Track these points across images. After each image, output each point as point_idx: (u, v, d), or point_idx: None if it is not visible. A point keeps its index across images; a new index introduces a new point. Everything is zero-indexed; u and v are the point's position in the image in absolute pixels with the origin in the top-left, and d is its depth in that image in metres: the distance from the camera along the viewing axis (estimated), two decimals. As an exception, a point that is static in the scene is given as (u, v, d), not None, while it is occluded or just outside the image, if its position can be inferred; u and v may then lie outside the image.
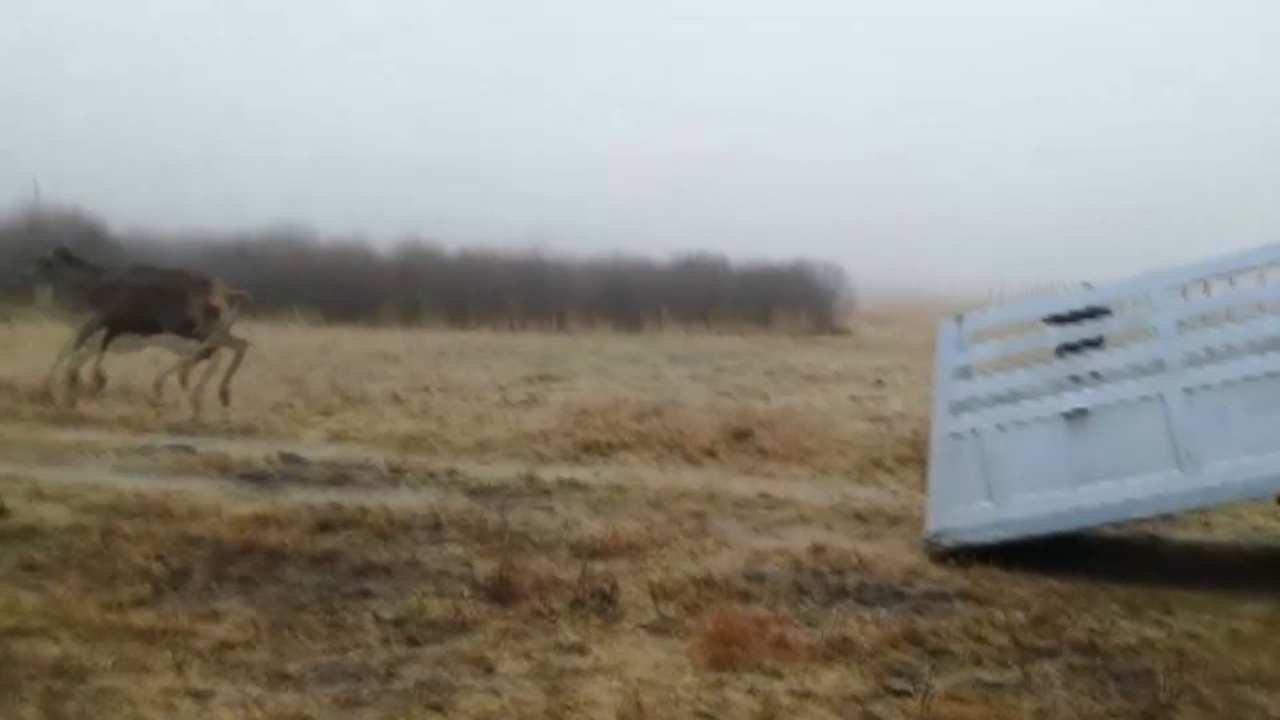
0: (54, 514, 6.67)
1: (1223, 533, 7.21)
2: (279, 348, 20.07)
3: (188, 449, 9.12)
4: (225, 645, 4.44)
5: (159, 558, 5.63)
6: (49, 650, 4.33)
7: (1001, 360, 6.69)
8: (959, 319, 6.38)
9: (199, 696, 3.92)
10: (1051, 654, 4.58)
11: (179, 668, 4.18)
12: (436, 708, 3.87)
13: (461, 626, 4.77)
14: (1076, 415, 5.99)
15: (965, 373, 6.37)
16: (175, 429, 10.23)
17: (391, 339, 24.29)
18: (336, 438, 10.19)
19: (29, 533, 6.19)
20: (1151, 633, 4.91)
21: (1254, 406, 5.66)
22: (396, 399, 12.82)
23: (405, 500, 7.44)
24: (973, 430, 6.18)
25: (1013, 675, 4.32)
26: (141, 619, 4.70)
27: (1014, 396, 6.29)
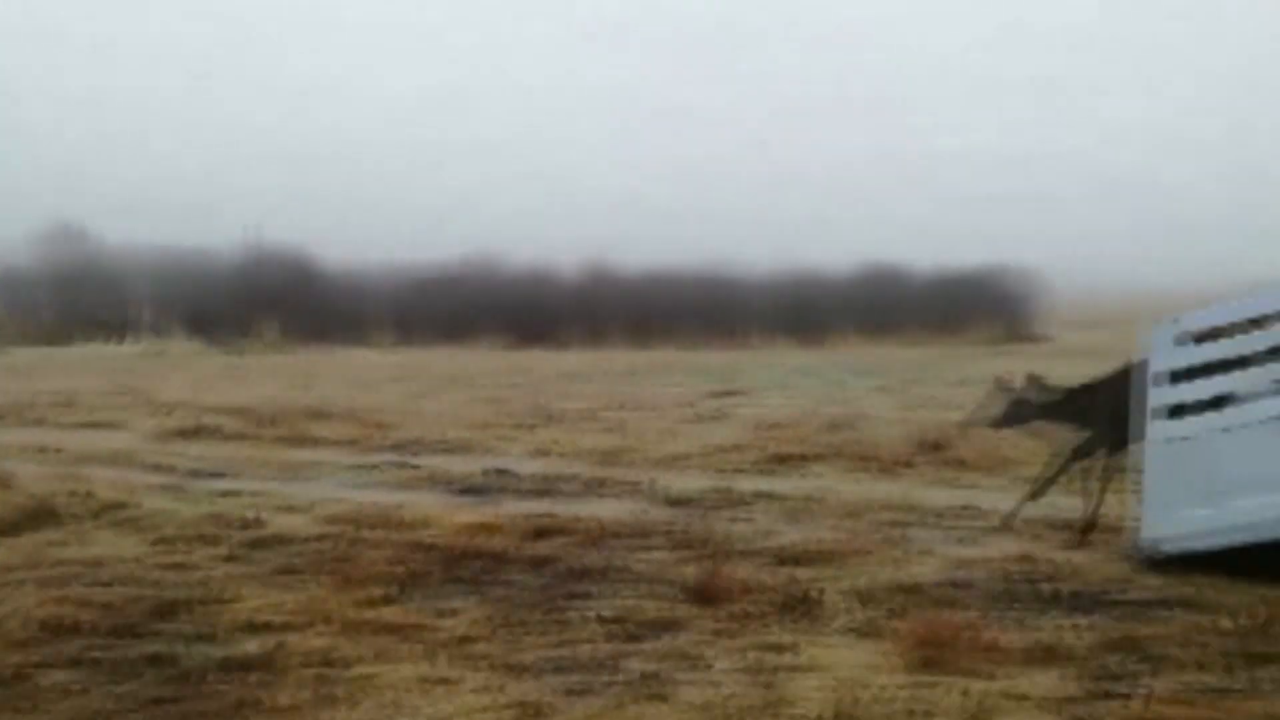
0: (301, 524, 7.42)
1: None
2: (478, 371, 21.24)
3: (411, 465, 9.88)
4: (465, 639, 4.88)
5: (399, 561, 6.21)
6: (315, 642, 4.87)
7: (1220, 362, 6.43)
8: (1174, 319, 6.20)
9: (449, 684, 4.34)
10: (1277, 660, 4.42)
11: (428, 658, 4.64)
12: (660, 697, 4.14)
13: (675, 625, 5.04)
14: (1299, 417, 5.71)
15: (1180, 375, 6.18)
16: (397, 447, 11.08)
17: (579, 360, 25.16)
18: (539, 452, 10.77)
19: (282, 541, 6.93)
20: (1386, 640, 4.64)
21: None
22: (591, 416, 13.38)
23: (610, 509, 7.83)
24: (1188, 435, 5.99)
25: (1237, 680, 4.21)
26: (390, 615, 5.22)
27: (1232, 399, 6.05)
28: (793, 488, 8.63)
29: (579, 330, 34.67)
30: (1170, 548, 5.91)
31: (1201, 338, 6.18)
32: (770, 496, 8.27)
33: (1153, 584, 5.60)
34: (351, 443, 11.39)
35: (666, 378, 19.49)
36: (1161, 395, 6.05)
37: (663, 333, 33.52)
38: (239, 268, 36.91)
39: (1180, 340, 6.07)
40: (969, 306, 32.71)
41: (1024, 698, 4.09)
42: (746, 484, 8.75)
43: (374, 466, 9.92)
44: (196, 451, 11.36)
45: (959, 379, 17.75)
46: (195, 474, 9.80)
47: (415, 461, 10.07)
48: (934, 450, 9.93)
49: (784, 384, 17.92)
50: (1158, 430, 6.03)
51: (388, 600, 5.47)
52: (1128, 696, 4.04)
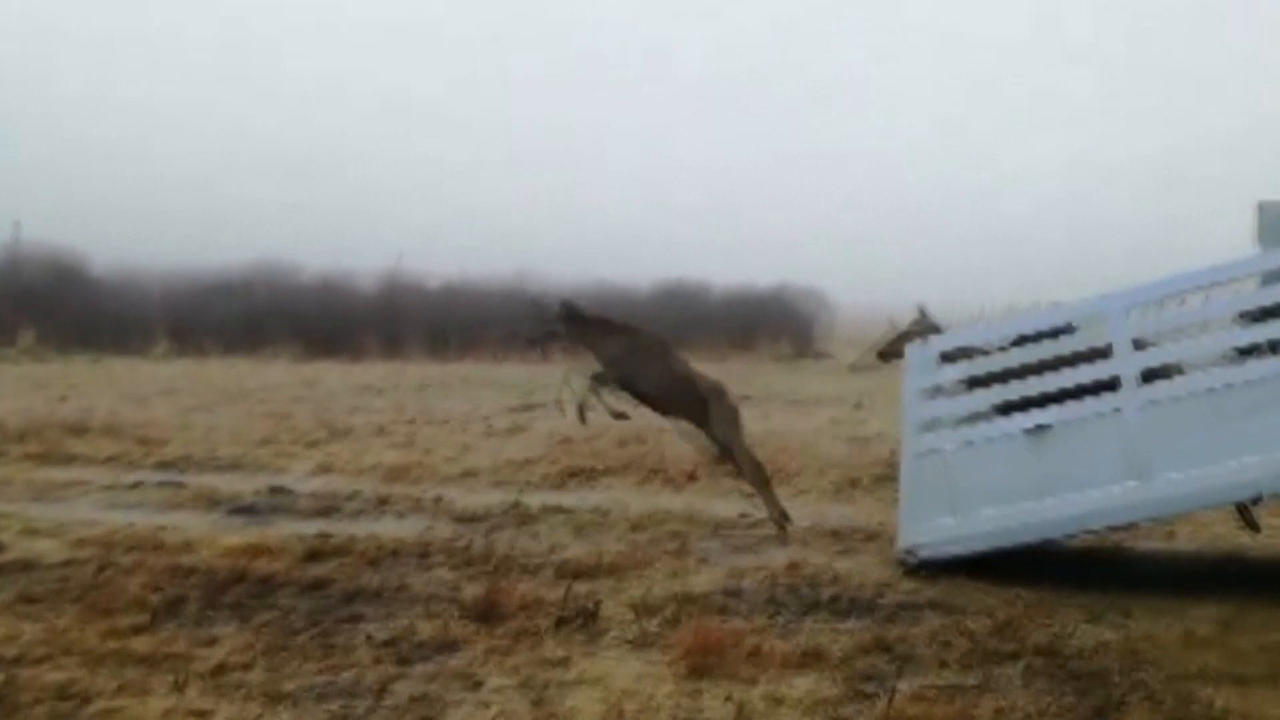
0: (48, 549, 6.83)
1: (1185, 542, 7.47)
2: (263, 383, 20.23)
3: (177, 484, 9.27)
4: (223, 668, 4.62)
5: (154, 588, 5.81)
6: (53, 676, 4.50)
7: (967, 380, 6.95)
8: (925, 340, 6.65)
9: (200, 716, 4.10)
10: (1013, 657, 4.81)
11: (179, 689, 4.36)
12: (429, 719, 4.06)
13: (450, 646, 4.96)
14: (1038, 431, 6.25)
15: (932, 393, 6.63)
16: (163, 465, 10.37)
17: (374, 372, 24.43)
18: (321, 470, 10.34)
19: (25, 566, 6.36)
20: (1109, 635, 5.15)
21: (1207, 419, 5.92)
22: (381, 431, 13.00)
23: (393, 528, 7.62)
24: (939, 449, 6.43)
25: (975, 677, 4.55)
26: (141, 645, 4.88)
27: (978, 415, 6.55)
28: (582, 502, 8.68)
29: (374, 342, 33.70)
30: (923, 555, 6.33)
31: (953, 357, 6.66)
32: (559, 510, 8.28)
33: (907, 589, 5.97)
34: (112, 460, 10.58)
35: (464, 391, 19.21)
36: (915, 411, 6.47)
37: (462, 345, 33.04)
38: (-8, 267, 33.71)
39: (928, 360, 6.51)
40: (760, 324, 33.99)
41: (784, 701, 4.27)
42: (537, 499, 8.73)
43: (135, 486, 9.24)
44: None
45: (745, 394, 18.40)
46: (-74, 496, 8.86)
47: (182, 480, 9.44)
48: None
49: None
50: (911, 444, 6.45)
51: (138, 629, 5.12)
52: (878, 696, 4.29)
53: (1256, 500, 6.56)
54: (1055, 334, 6.82)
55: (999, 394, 6.63)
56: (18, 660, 4.71)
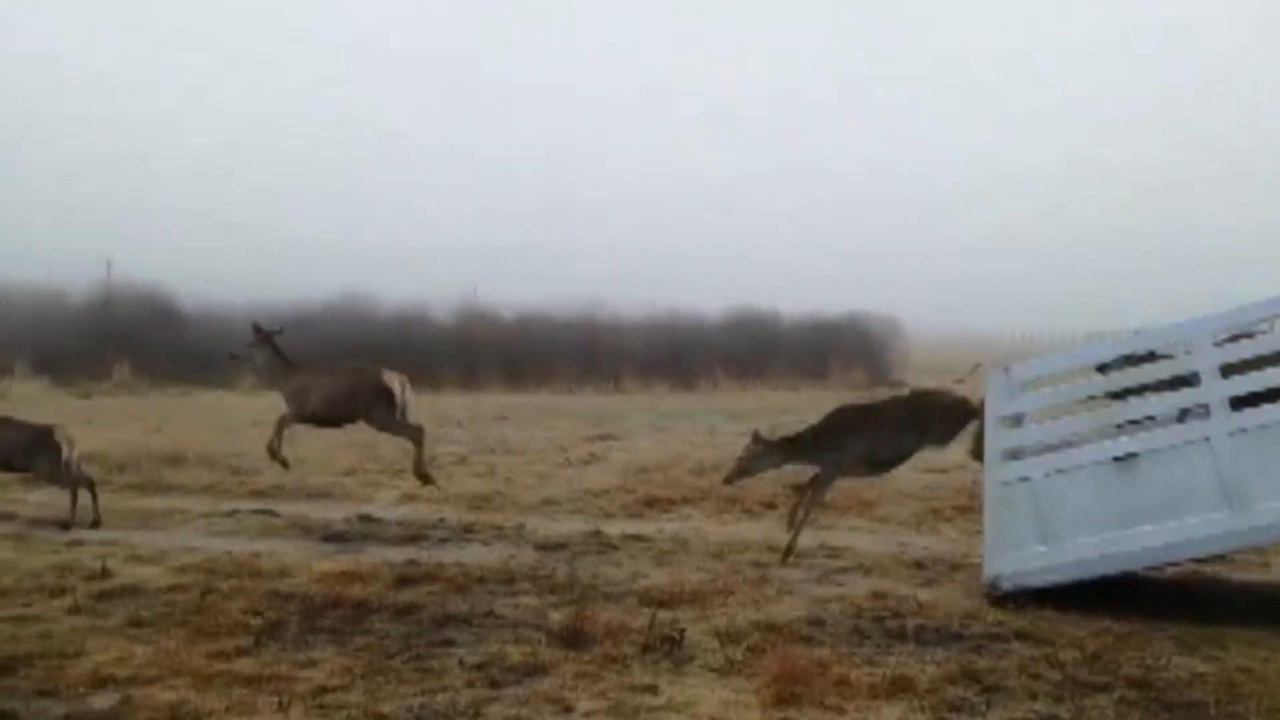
0: (153, 575, 7.14)
1: (1281, 573, 7.27)
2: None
3: (270, 513, 9.60)
4: (323, 689, 4.79)
5: (255, 612, 6.05)
6: (165, 696, 4.72)
7: (1051, 408, 6.89)
8: (1007, 369, 6.62)
9: (305, 735, 4.27)
10: (1105, 689, 4.76)
11: (284, 710, 4.54)
12: (522, 742, 4.17)
13: (540, 670, 5.07)
14: (1126, 459, 6.17)
15: (1015, 421, 6.59)
16: (256, 494, 10.74)
17: (452, 403, 24.85)
18: (407, 498, 10.61)
19: (133, 591, 6.65)
20: (1204, 667, 5.05)
21: None
22: (462, 460, 13.26)
23: (478, 556, 7.80)
24: (1024, 477, 6.38)
25: (1067, 709, 4.51)
26: (245, 666, 5.09)
27: (1064, 443, 6.49)
28: (661, 531, 8.76)
29: (452, 372, 34.27)
30: (1010, 584, 6.27)
31: (1034, 385, 6.62)
32: (638, 539, 8.38)
33: (994, 619, 5.92)
34: (208, 489, 10.99)
35: (540, 422, 19.46)
36: (998, 439, 6.43)
37: (538, 376, 33.44)
38: (89, 304, 35.18)
39: (1012, 388, 6.47)
40: (833, 351, 33.76)
41: (872, 730, 4.28)
42: (616, 528, 8.84)
43: (231, 514, 9.60)
44: (40, 498, 10.77)
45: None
46: (38, 522, 9.30)
47: (275, 509, 9.78)
48: (797, 492, 10.22)
49: (657, 427, 18.12)
50: (995, 472, 6.41)
51: (242, 652, 5.33)
52: (967, 726, 4.28)
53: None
54: (1139, 360, 6.75)
55: (1084, 421, 6.57)
56: (131, 680, 4.94)
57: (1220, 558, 6.86)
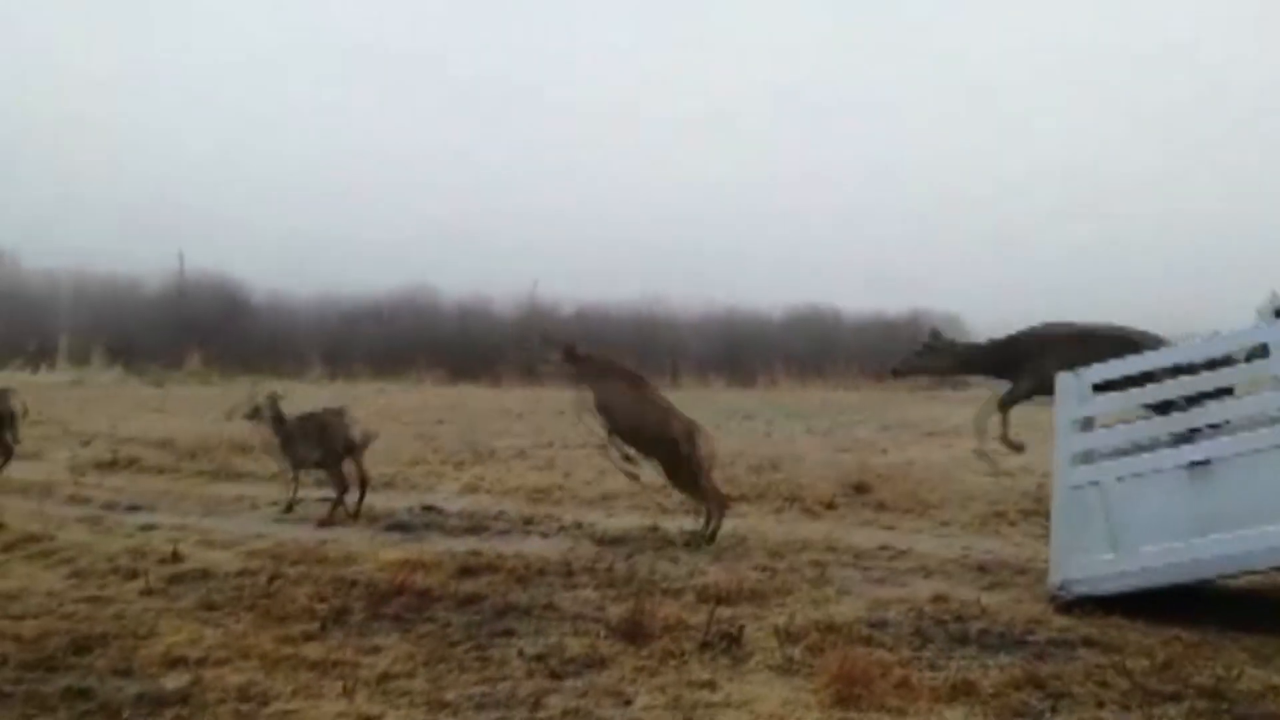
0: (223, 559, 7.32)
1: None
2: (409, 406, 21.06)
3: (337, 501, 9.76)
4: (388, 675, 4.88)
5: (321, 598, 6.18)
6: (234, 678, 4.83)
7: (1123, 412, 6.75)
8: (1077, 371, 6.48)
9: (369, 719, 4.35)
10: (1176, 698, 4.64)
11: (349, 694, 4.63)
12: (582, 734, 4.20)
13: (599, 663, 5.10)
14: (1198, 466, 6.01)
15: (1086, 424, 6.46)
16: (322, 482, 10.93)
17: (513, 396, 25.08)
18: (469, 490, 10.75)
19: (204, 575, 6.83)
20: (1278, 679, 4.90)
21: None
22: (522, 454, 13.39)
23: (538, 548, 7.86)
24: (1095, 482, 6.25)
25: (1135, 717, 4.41)
26: (312, 651, 5.20)
27: (1135, 448, 6.34)
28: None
29: (513, 366, 34.59)
30: (1077, 590, 6.15)
31: (1105, 388, 6.48)
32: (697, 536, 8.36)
33: (1060, 625, 5.81)
34: (275, 478, 11.21)
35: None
36: (1068, 442, 6.31)
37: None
38: (163, 295, 36.18)
39: (1082, 390, 6.35)
40: (895, 350, 33.40)
41: (934, 733, 4.24)
42: (674, 523, 8.84)
43: (298, 502, 9.80)
44: (114, 484, 11.12)
45: (883, 423, 18.14)
46: (113, 507, 9.60)
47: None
48: (857, 492, 10.16)
49: (715, 424, 18.09)
50: (1065, 476, 6.28)
51: (309, 637, 5.45)
52: (1031, 732, 4.21)
53: None
54: (1215, 365, 6.56)
55: (1157, 426, 6.42)
56: (201, 662, 5.07)
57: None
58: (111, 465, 12.29)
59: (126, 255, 35.79)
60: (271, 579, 6.63)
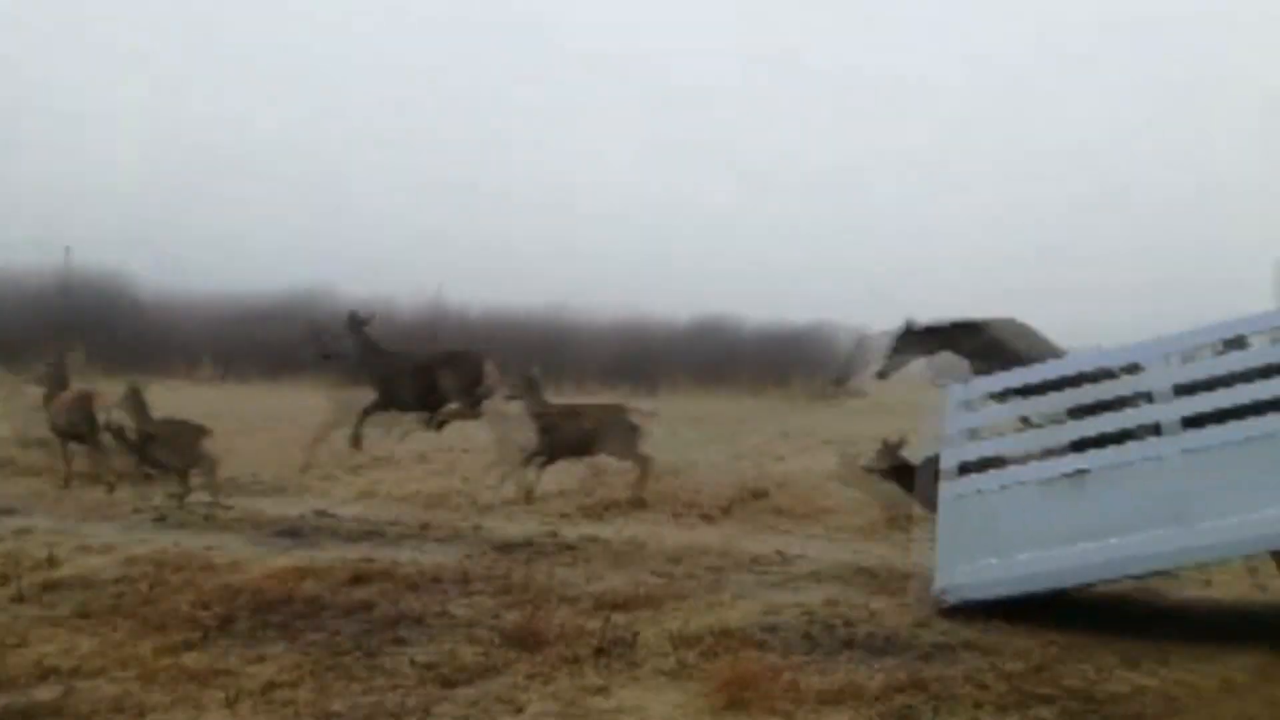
0: (101, 565, 7.04)
1: (1222, 590, 7.42)
2: (304, 408, 20.52)
3: (223, 506, 9.49)
4: (273, 685, 4.76)
5: (205, 606, 5.99)
6: (109, 689, 4.66)
7: (1007, 422, 7.00)
8: (965, 383, 6.71)
9: (251, 731, 4.23)
10: (1049, 700, 4.83)
11: (231, 705, 4.50)
12: (471, 742, 4.16)
13: (492, 671, 5.06)
14: (1077, 475, 6.27)
15: (972, 435, 6.68)
16: (208, 487, 10.59)
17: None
18: (364, 495, 10.56)
19: (81, 582, 6.55)
20: (1146, 681, 5.15)
21: (1248, 466, 5.93)
22: (422, 458, 13.19)
23: (434, 555, 7.76)
24: (978, 490, 6.46)
25: (1010, 717, 4.58)
26: (193, 661, 5.04)
27: (1017, 458, 6.58)
28: (619, 533, 8.77)
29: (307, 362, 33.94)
30: (960, 596, 6.35)
31: (992, 399, 6.71)
32: (595, 541, 8.38)
33: (943, 629, 6.00)
34: (158, 482, 10.82)
35: (500, 422, 19.38)
36: (953, 452, 6.52)
37: (500, 375, 33.28)
38: (44, 292, 34.58)
39: (968, 401, 6.57)
40: (796, 360, 33.98)
41: (819, 736, 4.33)
42: (573, 529, 8.84)
43: (181, 507, 9.48)
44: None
45: (782, 430, 18.44)
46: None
47: (227, 502, 9.66)
48: (754, 498, 10.31)
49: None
50: (950, 485, 6.49)
51: (191, 646, 5.28)
52: (913, 734, 4.34)
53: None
54: (1096, 378, 6.84)
55: (1038, 437, 6.67)
56: (75, 672, 4.88)
57: (1166, 574, 6.99)
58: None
59: (5, 250, 34.15)
60: (152, 586, 6.40)
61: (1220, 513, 5.89)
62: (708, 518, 9.67)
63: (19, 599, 6.11)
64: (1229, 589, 7.45)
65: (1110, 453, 6.27)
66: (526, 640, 5.45)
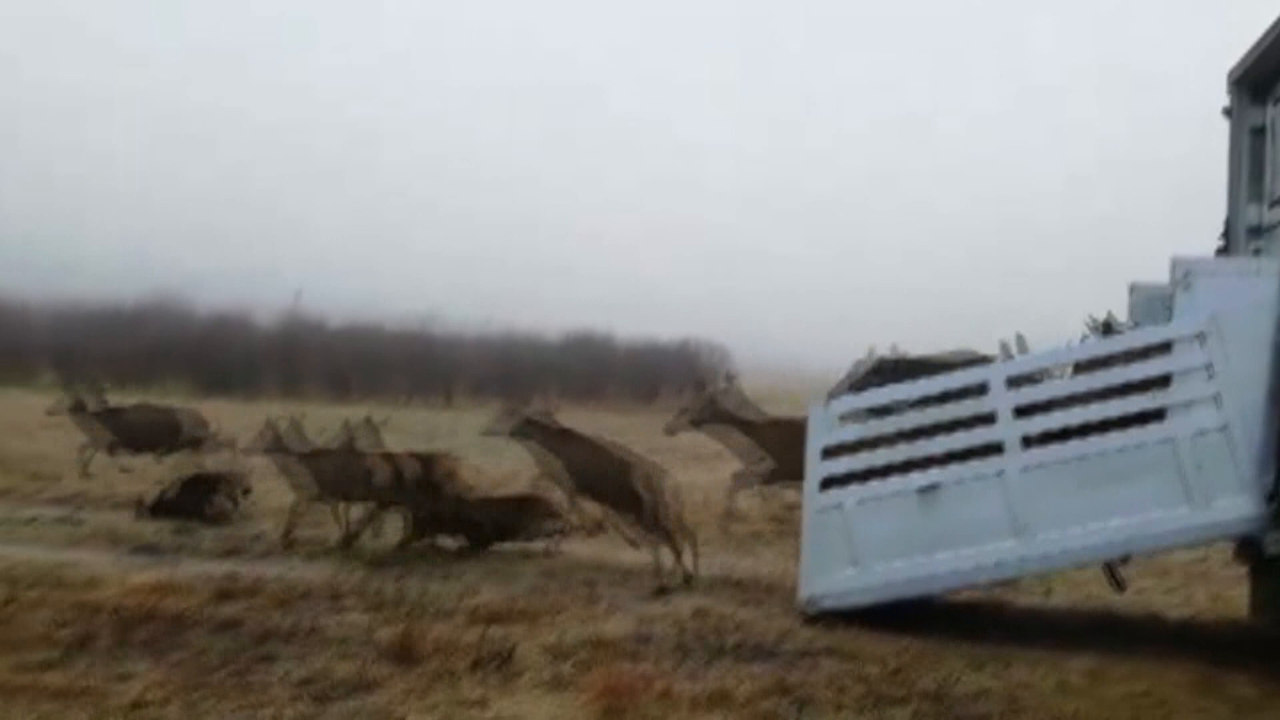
0: (-56, 584, 6.67)
1: (1060, 598, 8.00)
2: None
3: (75, 521, 9.10)
4: (139, 704, 4.64)
5: (62, 624, 5.77)
6: (-39, 711, 4.46)
7: (863, 440, 7.38)
8: (827, 402, 7.06)
9: (120, 751, 4.13)
10: (903, 701, 5.16)
11: (97, 725, 4.38)
12: (349, 757, 4.18)
13: (368, 686, 5.05)
14: (928, 490, 6.68)
15: (831, 452, 7.02)
16: (58, 501, 10.13)
17: (272, 411, 23.97)
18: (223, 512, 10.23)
19: (-76, 601, 6.21)
20: (990, 683, 5.54)
21: (1081, 483, 6.44)
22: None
23: (301, 571, 7.64)
24: (838, 504, 6.80)
25: (866, 718, 4.87)
26: (53, 679, 4.87)
27: (873, 474, 6.95)
28: (493, 548, 8.80)
29: (274, 380, 33.11)
30: (823, 604, 6.67)
31: (852, 417, 7.07)
32: (470, 557, 8.40)
33: (806, 636, 6.29)
34: (4, 494, 10.28)
35: (367, 435, 19.04)
36: (815, 469, 6.85)
37: (366, 388, 32.69)
38: None
39: (830, 420, 6.91)
40: (664, 377, 34.55)
41: (692, 740, 4.52)
42: (447, 545, 8.83)
43: (30, 521, 9.04)
44: None
45: (651, 447, 18.68)
46: None
47: (79, 516, 9.26)
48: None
49: (488, 445, 18.05)
50: (812, 501, 6.81)
51: (50, 665, 5.09)
52: (779, 736, 4.58)
53: (1125, 560, 7.10)
54: (947, 397, 7.29)
55: (894, 454, 7.05)
56: (-77, 695, 4.64)
57: (1009, 583, 7.49)
58: None
59: None
60: (4, 603, 6.11)
61: (1056, 526, 6.39)
62: (581, 529, 9.78)
63: None
64: (1066, 596, 8.04)
65: (957, 469, 6.69)
66: (402, 655, 5.46)
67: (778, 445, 9.82)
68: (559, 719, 4.71)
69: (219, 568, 7.57)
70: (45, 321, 32.83)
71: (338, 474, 8.77)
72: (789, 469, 8.94)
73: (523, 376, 33.25)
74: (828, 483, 6.85)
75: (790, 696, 5.12)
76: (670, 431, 10.48)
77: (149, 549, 8.24)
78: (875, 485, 6.79)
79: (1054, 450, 6.54)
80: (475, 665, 5.36)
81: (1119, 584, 7.40)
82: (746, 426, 10.25)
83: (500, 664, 5.39)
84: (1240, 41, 7.13)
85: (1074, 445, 6.52)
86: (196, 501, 9.52)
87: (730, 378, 10.99)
